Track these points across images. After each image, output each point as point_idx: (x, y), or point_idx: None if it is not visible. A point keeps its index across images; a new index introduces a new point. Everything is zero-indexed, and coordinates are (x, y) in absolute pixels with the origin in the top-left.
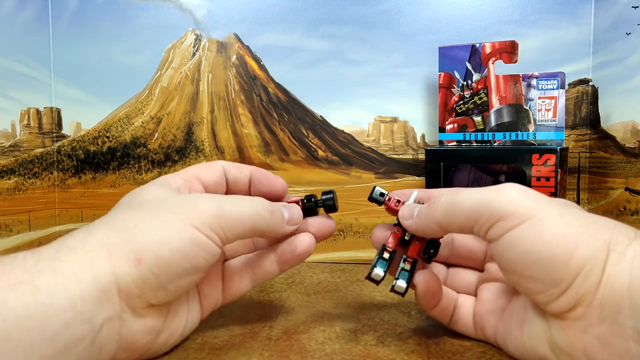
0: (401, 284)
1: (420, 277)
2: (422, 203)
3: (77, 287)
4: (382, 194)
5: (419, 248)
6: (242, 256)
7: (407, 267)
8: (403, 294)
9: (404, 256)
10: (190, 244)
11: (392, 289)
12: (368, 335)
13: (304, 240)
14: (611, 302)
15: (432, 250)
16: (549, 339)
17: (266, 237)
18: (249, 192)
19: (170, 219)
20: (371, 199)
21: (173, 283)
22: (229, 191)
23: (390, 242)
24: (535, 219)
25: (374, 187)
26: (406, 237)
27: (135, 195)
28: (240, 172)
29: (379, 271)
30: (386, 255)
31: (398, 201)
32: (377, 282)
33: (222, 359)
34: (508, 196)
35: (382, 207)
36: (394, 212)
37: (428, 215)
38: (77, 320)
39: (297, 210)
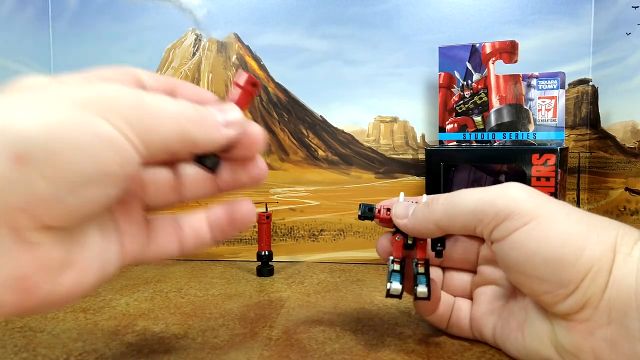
0: (422, 289)
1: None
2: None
3: None
4: (370, 209)
5: (426, 247)
6: (168, 214)
7: (422, 270)
8: (428, 298)
9: (415, 260)
10: (96, 138)
11: (416, 297)
12: (368, 335)
13: (243, 205)
14: (618, 305)
15: (439, 245)
16: (553, 340)
17: (200, 149)
18: None
19: (65, 103)
20: (361, 217)
21: (74, 193)
22: None
23: (395, 253)
24: (542, 218)
25: (360, 205)
26: (409, 242)
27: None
28: (157, 82)
29: (396, 285)
30: (396, 267)
31: (388, 209)
32: (399, 297)
33: (222, 359)
34: (513, 195)
35: (375, 221)
36: (388, 222)
37: (426, 215)
38: None
39: (235, 109)
